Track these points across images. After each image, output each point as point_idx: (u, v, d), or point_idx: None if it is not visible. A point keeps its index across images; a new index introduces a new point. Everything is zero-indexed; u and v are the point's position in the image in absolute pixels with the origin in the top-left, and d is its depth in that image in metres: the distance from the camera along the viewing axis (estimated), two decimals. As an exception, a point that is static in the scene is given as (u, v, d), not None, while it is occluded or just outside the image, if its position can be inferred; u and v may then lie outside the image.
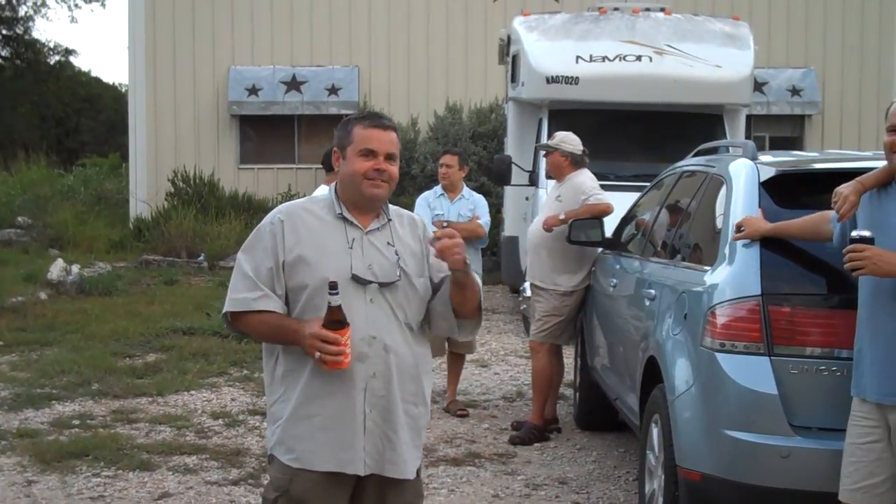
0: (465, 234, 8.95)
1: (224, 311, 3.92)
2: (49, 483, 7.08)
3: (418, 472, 4.02)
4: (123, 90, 41.74)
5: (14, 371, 10.44)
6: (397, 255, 3.91)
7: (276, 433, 3.91)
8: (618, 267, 7.69)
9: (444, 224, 8.90)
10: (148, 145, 22.62)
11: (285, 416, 3.87)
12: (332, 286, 3.65)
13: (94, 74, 55.41)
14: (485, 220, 9.19)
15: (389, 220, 3.97)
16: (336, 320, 3.67)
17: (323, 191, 8.37)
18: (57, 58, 30.06)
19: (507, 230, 14.80)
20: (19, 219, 20.85)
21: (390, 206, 4.04)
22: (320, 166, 9.33)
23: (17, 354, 11.23)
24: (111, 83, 51.11)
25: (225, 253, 18.50)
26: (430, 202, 9.16)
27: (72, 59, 40.41)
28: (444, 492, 7.00)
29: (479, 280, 4.10)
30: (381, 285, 3.85)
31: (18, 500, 6.78)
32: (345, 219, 3.91)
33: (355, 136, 3.91)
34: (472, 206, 9.21)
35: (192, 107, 22.68)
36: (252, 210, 20.69)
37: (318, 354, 3.68)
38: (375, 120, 3.95)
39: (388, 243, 3.92)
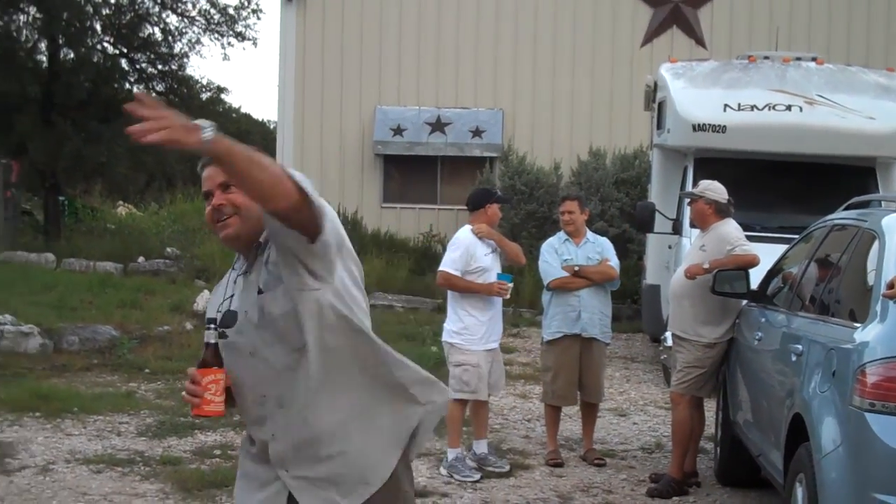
0: (597, 278, 9.04)
1: None
2: (190, 511, 7.23)
3: (395, 475, 3.54)
4: (272, 127, 42.61)
5: (159, 399, 10.70)
6: (260, 289, 3.42)
7: None
8: (763, 320, 7.55)
9: (576, 269, 8.85)
10: (294, 182, 22.92)
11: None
12: (210, 321, 3.36)
13: (244, 111, 56.67)
14: (614, 262, 9.07)
15: (259, 249, 3.47)
16: (202, 359, 3.30)
17: (466, 231, 8.45)
18: (209, 94, 30.75)
19: (649, 278, 14.62)
20: (168, 249, 21.33)
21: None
22: (462, 207, 9.38)
23: (163, 383, 11.52)
24: (260, 120, 52.20)
25: (367, 290, 18.63)
26: (556, 248, 9.07)
27: (223, 95, 41.32)
28: (579, 541, 6.93)
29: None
30: (237, 332, 3.44)
31: (160, 526, 6.94)
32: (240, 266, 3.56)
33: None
34: (599, 248, 9.09)
35: (338, 145, 23.01)
36: (394, 249, 20.80)
37: (183, 394, 3.37)
38: (205, 159, 3.47)
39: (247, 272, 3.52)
